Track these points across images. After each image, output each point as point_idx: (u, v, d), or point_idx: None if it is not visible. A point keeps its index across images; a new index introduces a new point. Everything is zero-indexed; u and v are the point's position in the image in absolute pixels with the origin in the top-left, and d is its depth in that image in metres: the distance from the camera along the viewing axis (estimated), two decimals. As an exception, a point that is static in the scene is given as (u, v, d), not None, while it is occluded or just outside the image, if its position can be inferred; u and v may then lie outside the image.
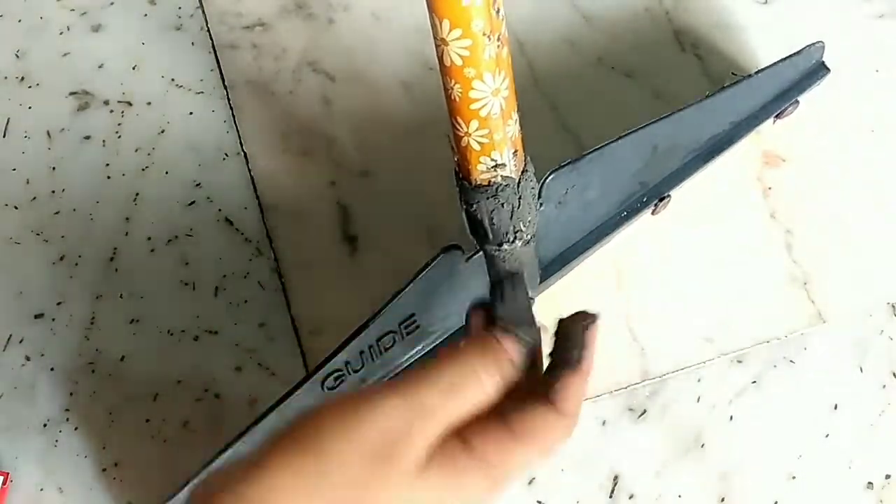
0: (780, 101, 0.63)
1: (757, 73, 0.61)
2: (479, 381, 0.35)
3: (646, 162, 0.58)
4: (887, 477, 0.57)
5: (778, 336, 0.60)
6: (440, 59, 0.39)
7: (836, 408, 0.58)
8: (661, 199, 0.60)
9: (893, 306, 0.61)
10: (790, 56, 0.62)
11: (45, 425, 0.56)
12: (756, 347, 0.60)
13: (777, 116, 0.64)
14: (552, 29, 0.70)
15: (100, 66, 0.68)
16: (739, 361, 0.59)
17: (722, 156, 0.62)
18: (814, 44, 0.63)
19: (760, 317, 0.61)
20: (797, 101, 0.63)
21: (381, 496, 0.32)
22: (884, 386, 0.59)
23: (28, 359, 0.58)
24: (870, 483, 0.57)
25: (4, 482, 0.53)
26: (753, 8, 0.72)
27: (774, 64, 0.61)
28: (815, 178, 0.65)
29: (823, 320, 0.61)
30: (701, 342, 0.60)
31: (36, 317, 0.59)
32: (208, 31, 0.69)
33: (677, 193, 0.61)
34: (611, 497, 0.55)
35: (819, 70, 0.65)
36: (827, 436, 0.56)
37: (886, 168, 0.66)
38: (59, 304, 0.59)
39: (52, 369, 0.58)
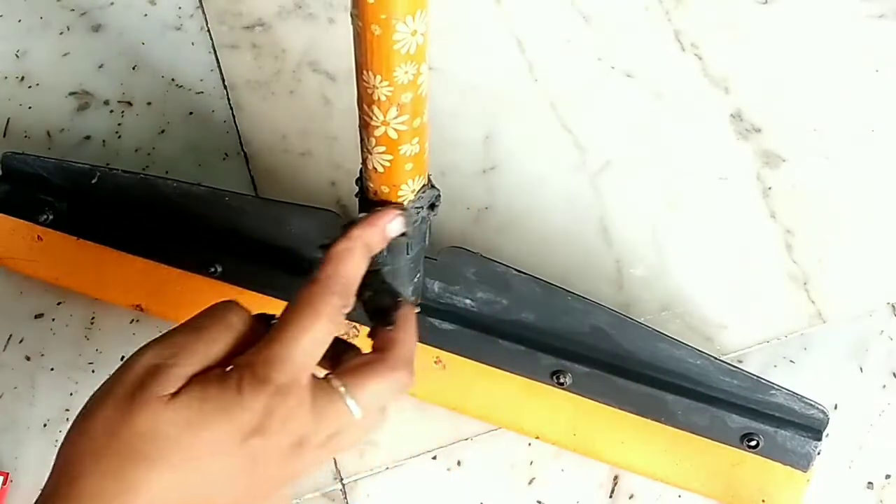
0: (753, 416, 0.52)
1: (762, 380, 0.52)
2: (225, 320, 0.37)
3: (567, 331, 0.53)
4: (887, 477, 0.57)
5: (778, 336, 0.60)
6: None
7: (836, 408, 0.58)
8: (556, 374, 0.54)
9: (893, 306, 0.61)
10: (801, 398, 0.52)
11: (45, 425, 0.56)
12: (756, 347, 0.60)
13: (747, 441, 0.52)
14: (552, 29, 0.70)
15: (100, 67, 0.68)
16: (739, 361, 0.59)
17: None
18: (820, 408, 0.52)
19: (760, 317, 0.61)
20: (759, 441, 0.52)
21: (133, 423, 0.34)
22: (884, 386, 0.59)
23: (28, 359, 0.58)
24: (870, 483, 0.56)
25: (4, 482, 0.53)
26: (753, 8, 0.72)
27: (781, 389, 0.51)
28: (815, 178, 0.65)
29: (823, 320, 0.61)
30: (701, 342, 0.59)
31: (36, 317, 0.59)
32: (208, 31, 0.69)
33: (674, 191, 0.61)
34: (611, 497, 0.55)
35: (811, 431, 0.52)
36: (827, 436, 0.56)
37: (886, 168, 0.66)
38: (59, 304, 0.59)
39: (52, 369, 0.58)
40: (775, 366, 0.59)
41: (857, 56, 0.70)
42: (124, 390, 0.35)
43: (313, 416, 0.36)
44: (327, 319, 0.37)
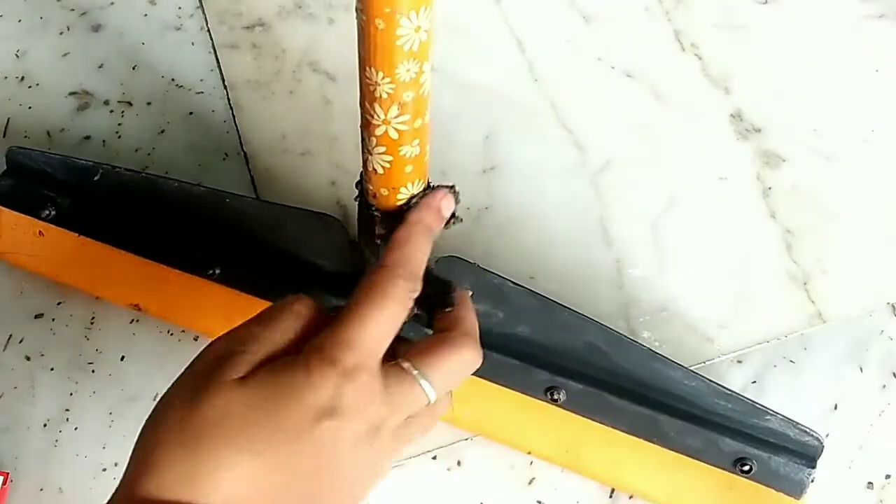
0: (747, 441, 0.52)
1: (758, 406, 0.51)
2: (291, 309, 0.38)
3: (562, 346, 0.52)
4: (887, 477, 0.57)
5: (778, 336, 0.60)
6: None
7: (836, 408, 0.58)
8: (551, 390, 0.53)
9: (893, 306, 0.61)
10: (795, 424, 0.51)
11: (45, 425, 0.56)
12: (756, 347, 0.60)
13: (740, 466, 0.52)
14: (552, 29, 0.70)
15: (100, 66, 0.68)
16: (739, 361, 0.59)
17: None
18: (814, 435, 0.51)
19: (760, 317, 0.61)
20: (752, 466, 0.51)
21: (203, 408, 0.35)
22: (884, 386, 0.59)
23: (28, 359, 0.58)
24: (870, 483, 0.56)
25: (4, 482, 0.53)
26: (753, 8, 0.72)
27: (776, 414, 0.51)
28: (815, 178, 0.65)
29: (823, 320, 0.61)
30: (701, 342, 0.60)
31: (36, 317, 0.59)
32: (208, 31, 0.69)
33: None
34: (611, 497, 0.55)
35: (805, 458, 0.51)
36: (827, 436, 0.56)
37: (886, 168, 0.66)
38: (59, 304, 0.59)
39: (52, 369, 0.58)
40: (775, 366, 0.59)
41: (857, 56, 0.70)
42: (195, 377, 0.36)
43: (387, 400, 0.36)
44: (395, 302, 0.37)
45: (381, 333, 0.37)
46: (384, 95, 0.38)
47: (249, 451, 0.34)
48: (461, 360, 0.39)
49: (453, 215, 0.44)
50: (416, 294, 0.39)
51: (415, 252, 0.40)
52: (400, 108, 0.39)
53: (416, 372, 0.37)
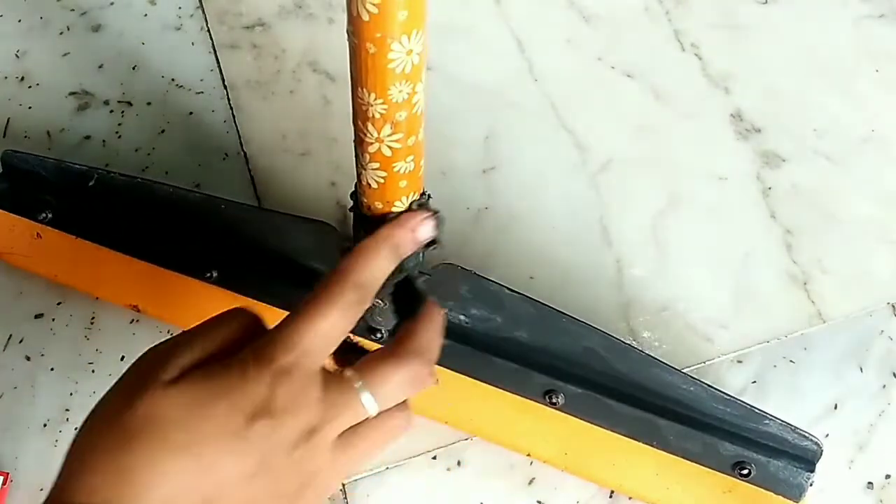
0: (745, 445, 0.51)
1: (756, 410, 0.51)
2: (227, 316, 0.37)
3: (560, 350, 0.52)
4: (887, 477, 0.57)
5: (778, 336, 0.60)
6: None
7: (836, 408, 0.58)
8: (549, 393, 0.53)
9: (893, 306, 0.61)
10: (794, 429, 0.51)
11: (45, 425, 0.56)
12: (756, 347, 0.60)
13: (739, 470, 0.51)
14: (552, 29, 0.70)
15: (100, 67, 0.68)
16: (739, 361, 0.59)
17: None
18: (813, 440, 0.51)
19: (760, 317, 0.61)
20: (751, 469, 0.51)
21: (133, 409, 0.34)
22: (884, 386, 0.59)
23: (28, 359, 0.58)
24: (870, 483, 0.56)
25: (4, 482, 0.53)
26: (753, 8, 0.72)
27: (775, 419, 0.50)
28: (815, 178, 0.65)
29: (823, 320, 0.61)
30: (701, 342, 0.60)
31: (36, 317, 0.59)
32: (208, 31, 0.70)
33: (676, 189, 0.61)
34: (611, 497, 0.55)
35: (804, 462, 0.51)
36: (827, 436, 0.56)
37: (886, 168, 0.66)
38: (59, 304, 0.59)
39: (52, 369, 0.58)
40: (775, 366, 0.59)
41: (857, 56, 0.70)
42: (126, 383, 0.35)
43: (324, 406, 0.35)
44: (339, 310, 0.36)
45: (321, 339, 0.36)
46: (377, 115, 0.38)
47: (182, 451, 0.33)
48: (407, 375, 0.37)
49: (434, 241, 0.43)
50: (365, 307, 0.37)
51: (372, 264, 0.38)
52: (393, 127, 0.39)
53: (357, 383, 0.36)
